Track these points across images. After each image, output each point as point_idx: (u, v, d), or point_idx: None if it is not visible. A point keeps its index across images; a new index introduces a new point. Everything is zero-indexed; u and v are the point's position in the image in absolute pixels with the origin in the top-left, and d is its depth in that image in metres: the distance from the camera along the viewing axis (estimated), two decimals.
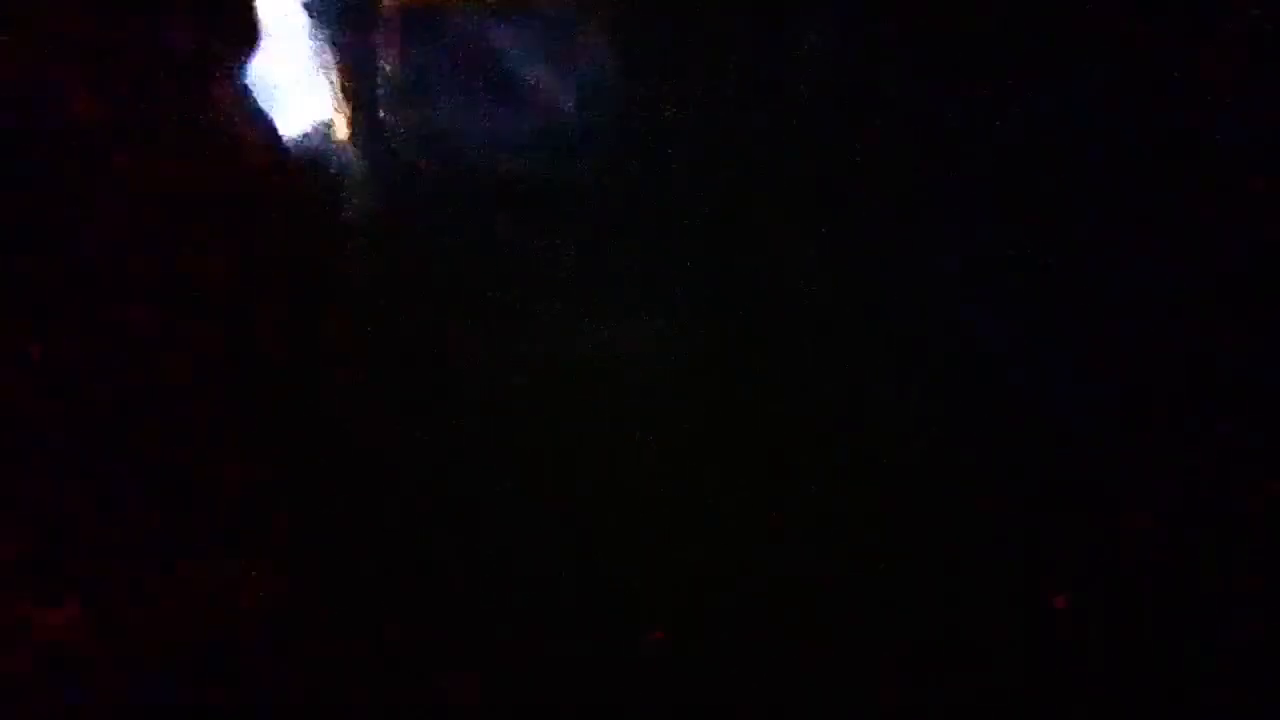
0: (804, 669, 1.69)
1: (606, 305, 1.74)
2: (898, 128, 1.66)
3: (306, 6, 1.63)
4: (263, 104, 1.62)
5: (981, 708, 1.67)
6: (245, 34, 1.61)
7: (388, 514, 1.70)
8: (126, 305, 1.63)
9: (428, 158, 1.72)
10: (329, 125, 1.62)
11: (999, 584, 1.65)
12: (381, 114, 1.63)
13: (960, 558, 1.65)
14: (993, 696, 1.67)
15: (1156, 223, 1.65)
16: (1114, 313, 1.66)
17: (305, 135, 1.62)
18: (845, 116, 1.68)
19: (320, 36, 1.64)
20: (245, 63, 1.62)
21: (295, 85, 1.63)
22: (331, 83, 1.62)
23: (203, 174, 1.62)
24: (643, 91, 1.79)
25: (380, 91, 1.63)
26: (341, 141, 1.62)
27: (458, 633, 1.68)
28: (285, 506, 1.68)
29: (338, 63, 1.62)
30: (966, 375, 1.69)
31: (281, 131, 1.61)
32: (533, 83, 1.74)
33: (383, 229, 1.72)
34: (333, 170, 1.66)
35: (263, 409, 1.67)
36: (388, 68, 1.64)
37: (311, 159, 1.65)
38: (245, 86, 1.61)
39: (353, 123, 1.63)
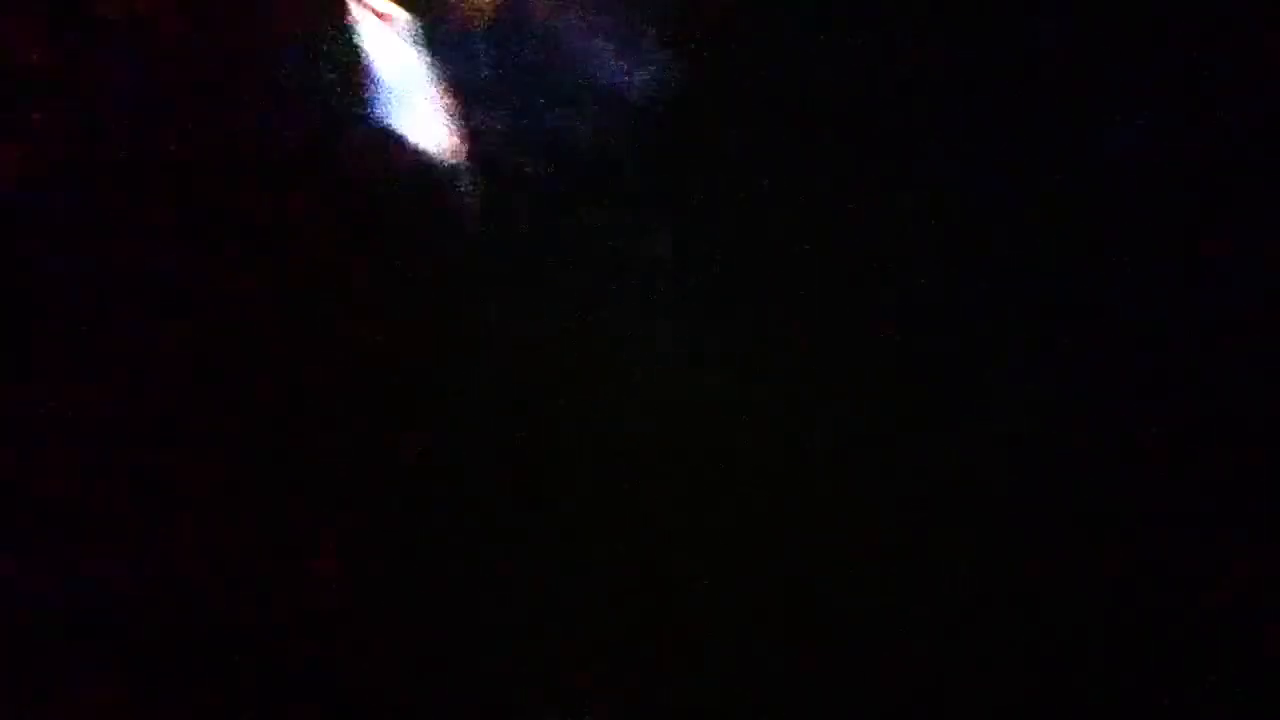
0: (804, 670, 1.65)
1: (696, 293, 1.79)
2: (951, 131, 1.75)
3: (401, 36, 1.76)
4: (369, 121, 1.74)
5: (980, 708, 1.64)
6: (351, 60, 1.73)
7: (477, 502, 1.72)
8: (256, 307, 1.71)
9: (519, 158, 1.84)
10: (429, 136, 1.75)
11: (1000, 586, 1.64)
12: (476, 122, 1.76)
13: (964, 563, 1.66)
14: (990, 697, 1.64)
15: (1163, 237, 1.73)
16: (1117, 321, 1.68)
17: (411, 144, 1.75)
18: (900, 115, 1.77)
19: (416, 60, 1.77)
20: (354, 87, 1.75)
21: (396, 104, 1.75)
22: (428, 99, 1.75)
23: (322, 189, 1.73)
24: (720, 95, 1.89)
25: (471, 101, 1.76)
26: (441, 149, 1.74)
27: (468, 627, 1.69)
28: (393, 491, 1.70)
29: (432, 81, 1.75)
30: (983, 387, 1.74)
31: (390, 143, 1.74)
32: (603, 83, 1.85)
33: (484, 225, 1.81)
34: (437, 178, 1.77)
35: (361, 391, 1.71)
36: (478, 75, 1.78)
37: (417, 168, 1.76)
38: (353, 108, 1.74)
39: (449, 132, 1.76)
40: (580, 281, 1.81)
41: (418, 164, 1.76)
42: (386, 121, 1.73)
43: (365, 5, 1.68)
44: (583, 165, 1.76)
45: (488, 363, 1.79)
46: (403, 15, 1.71)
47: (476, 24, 1.72)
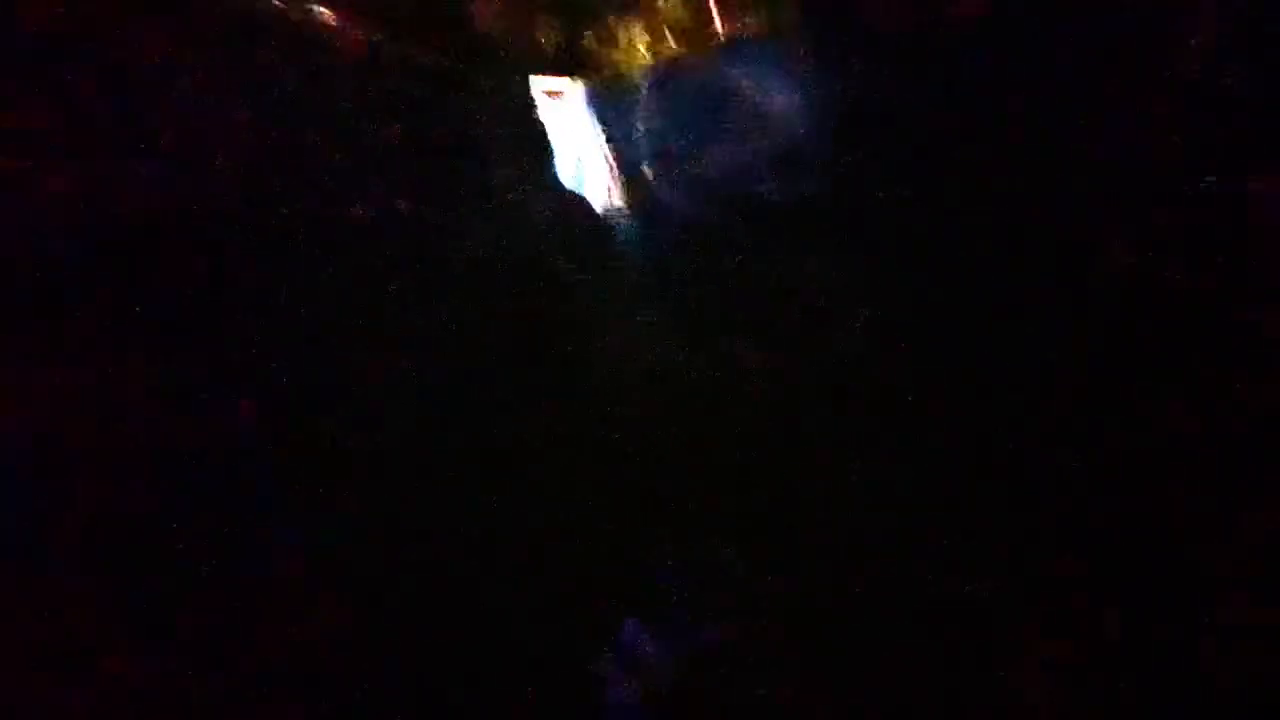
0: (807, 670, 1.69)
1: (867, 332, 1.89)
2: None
3: (572, 106, 1.95)
4: (551, 184, 1.91)
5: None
6: (533, 135, 1.91)
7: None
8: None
9: (687, 201, 2.01)
10: (604, 185, 1.93)
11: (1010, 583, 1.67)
12: (645, 170, 1.95)
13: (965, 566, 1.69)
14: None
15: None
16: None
17: (587, 194, 1.92)
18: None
19: (587, 125, 1.95)
20: (537, 156, 1.91)
21: (574, 166, 1.93)
22: (600, 158, 1.93)
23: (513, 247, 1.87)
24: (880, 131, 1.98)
25: (642, 151, 1.95)
26: (616, 196, 1.92)
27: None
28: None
29: (603, 141, 1.93)
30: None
31: (570, 201, 1.91)
32: (768, 122, 1.98)
33: (661, 270, 1.95)
34: (611, 223, 1.94)
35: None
36: (644, 131, 1.97)
37: (596, 222, 1.92)
38: (535, 174, 1.90)
39: (622, 180, 1.94)
40: (760, 324, 1.90)
41: (596, 217, 1.94)
42: (567, 183, 1.92)
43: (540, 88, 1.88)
44: (755, 208, 1.90)
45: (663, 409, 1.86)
46: (572, 87, 1.91)
47: (637, 87, 1.93)
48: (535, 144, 1.94)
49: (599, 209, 1.95)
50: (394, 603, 1.71)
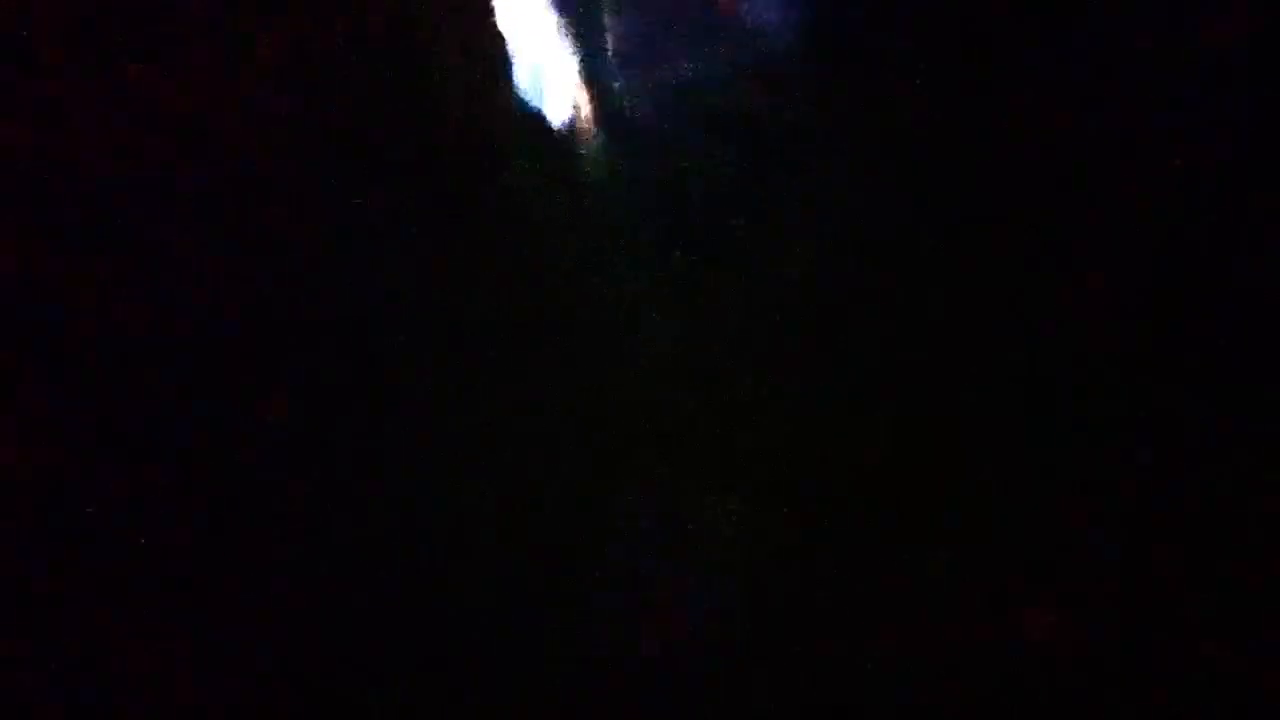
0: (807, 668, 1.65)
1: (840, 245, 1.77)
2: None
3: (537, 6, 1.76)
4: (513, 92, 1.73)
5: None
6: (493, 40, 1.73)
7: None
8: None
9: (661, 114, 1.84)
10: (571, 93, 1.75)
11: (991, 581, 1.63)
12: (613, 78, 1.76)
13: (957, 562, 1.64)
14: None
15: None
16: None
17: (553, 103, 1.75)
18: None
19: (556, 19, 1.76)
20: (501, 52, 1.73)
21: (538, 74, 1.75)
22: (565, 59, 1.75)
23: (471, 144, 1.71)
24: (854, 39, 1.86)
25: (609, 58, 1.76)
26: (581, 105, 1.75)
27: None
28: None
29: (571, 39, 1.75)
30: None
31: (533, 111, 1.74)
32: (743, 31, 1.85)
33: (623, 177, 1.81)
34: (577, 139, 1.77)
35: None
36: (613, 37, 1.78)
37: (559, 134, 1.76)
38: (501, 72, 1.72)
39: (588, 91, 1.76)
40: (740, 249, 1.79)
41: (559, 132, 1.76)
42: (526, 95, 1.74)
43: None
44: (735, 122, 1.76)
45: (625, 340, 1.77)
46: None
47: None
48: (489, 51, 1.74)
49: (562, 123, 1.76)
50: (383, 593, 1.64)
